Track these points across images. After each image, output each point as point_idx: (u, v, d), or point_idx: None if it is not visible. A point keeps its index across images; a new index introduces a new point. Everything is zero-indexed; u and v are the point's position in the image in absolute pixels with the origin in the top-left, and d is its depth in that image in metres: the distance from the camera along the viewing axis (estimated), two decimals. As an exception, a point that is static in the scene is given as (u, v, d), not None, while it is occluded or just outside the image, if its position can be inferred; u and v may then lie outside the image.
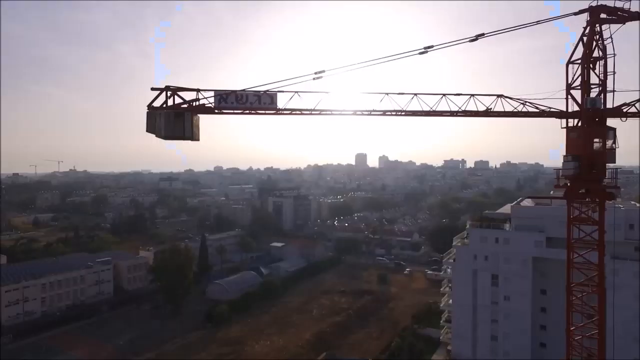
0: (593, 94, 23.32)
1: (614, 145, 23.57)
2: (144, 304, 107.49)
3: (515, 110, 23.29)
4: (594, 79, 23.33)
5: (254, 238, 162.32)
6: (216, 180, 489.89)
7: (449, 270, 77.93)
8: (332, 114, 22.41)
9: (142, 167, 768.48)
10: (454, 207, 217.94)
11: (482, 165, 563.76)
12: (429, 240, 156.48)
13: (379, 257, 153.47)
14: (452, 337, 74.52)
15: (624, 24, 23.15)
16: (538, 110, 23.40)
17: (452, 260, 75.48)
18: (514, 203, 79.18)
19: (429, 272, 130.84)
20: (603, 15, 23.02)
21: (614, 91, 22.90)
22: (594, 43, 23.08)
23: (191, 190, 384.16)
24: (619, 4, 22.78)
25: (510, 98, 22.94)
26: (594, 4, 23.06)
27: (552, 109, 23.44)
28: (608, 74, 23.08)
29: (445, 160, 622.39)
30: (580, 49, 23.26)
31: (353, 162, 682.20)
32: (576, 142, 23.30)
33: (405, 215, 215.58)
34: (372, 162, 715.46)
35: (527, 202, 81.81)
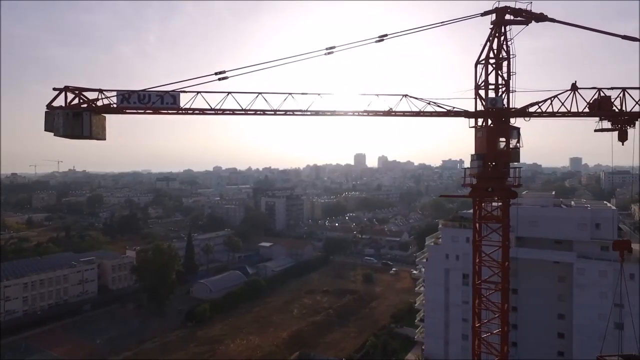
0: (501, 94, 23.66)
1: (518, 144, 23.91)
2: (128, 303, 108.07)
3: (420, 110, 23.67)
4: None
5: (243, 238, 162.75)
6: (214, 181, 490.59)
7: (423, 269, 78.30)
8: (235, 114, 22.91)
9: (143, 167, 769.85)
10: (447, 207, 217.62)
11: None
12: (418, 240, 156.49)
13: (367, 256, 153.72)
14: (424, 336, 74.83)
15: (527, 25, 23.50)
16: (444, 110, 23.75)
17: (425, 260, 75.83)
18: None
19: (414, 272, 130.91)
20: (509, 17, 23.37)
21: (514, 91, 23.26)
22: (499, 44, 23.43)
23: (188, 190, 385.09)
24: (521, 5, 23.09)
25: (415, 98, 23.32)
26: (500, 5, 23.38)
27: (455, 109, 23.82)
28: (512, 74, 23.46)
29: (443, 161, 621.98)
30: (488, 48, 23.59)
31: (352, 163, 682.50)
32: (481, 141, 23.66)
33: (397, 215, 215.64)
34: (372, 162, 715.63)
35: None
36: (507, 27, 23.39)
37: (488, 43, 23.58)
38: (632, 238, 67.39)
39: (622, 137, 24.07)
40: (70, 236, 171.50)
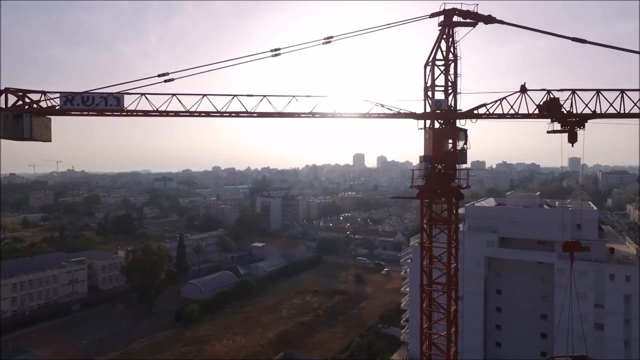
0: (448, 96, 23.76)
1: (465, 146, 24.01)
2: (118, 304, 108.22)
3: (367, 112, 23.75)
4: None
5: (237, 238, 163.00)
6: (212, 181, 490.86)
7: (408, 270, 78.39)
8: (179, 115, 23.04)
9: (142, 167, 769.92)
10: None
11: (478, 165, 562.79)
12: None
13: (360, 257, 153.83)
14: (409, 337, 74.89)
15: (475, 27, 23.59)
16: (392, 112, 23.84)
17: (409, 260, 75.91)
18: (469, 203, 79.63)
19: (402, 272, 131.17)
20: (457, 19, 23.45)
21: (459, 93, 23.35)
22: (447, 45, 23.53)
23: (185, 191, 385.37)
24: (468, 7, 23.15)
25: (363, 99, 23.40)
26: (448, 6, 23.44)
27: (403, 111, 23.90)
28: (458, 76, 23.55)
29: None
30: (438, 51, 23.70)
31: (351, 163, 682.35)
32: (428, 143, 23.77)
33: (392, 215, 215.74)
34: (371, 162, 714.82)
35: (490, 202, 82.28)
36: (455, 29, 23.48)
37: (436, 45, 23.66)
38: (612, 238, 67.60)
39: (572, 139, 24.15)
40: (64, 236, 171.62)
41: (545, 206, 70.22)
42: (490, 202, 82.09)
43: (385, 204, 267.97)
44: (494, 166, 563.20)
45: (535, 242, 65.97)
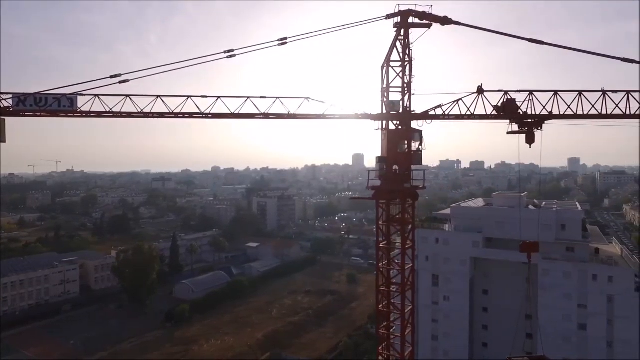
0: (402, 97, 23.76)
1: (420, 147, 24.02)
2: (110, 304, 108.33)
3: (322, 113, 23.75)
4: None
5: (231, 238, 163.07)
6: (211, 181, 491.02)
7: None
8: (132, 116, 23.14)
9: (142, 167, 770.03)
10: (438, 208, 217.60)
11: (477, 165, 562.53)
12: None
13: (354, 257, 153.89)
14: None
15: (429, 28, 23.59)
16: (347, 113, 23.83)
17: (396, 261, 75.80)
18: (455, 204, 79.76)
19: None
20: (414, 20, 23.44)
21: (414, 94, 23.37)
22: (403, 46, 23.52)
23: (183, 191, 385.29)
24: (422, 8, 23.13)
25: (316, 100, 23.40)
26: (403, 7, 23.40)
27: (357, 112, 23.89)
28: (412, 77, 23.56)
29: (440, 161, 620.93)
30: (394, 52, 23.70)
31: (350, 163, 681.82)
32: (383, 144, 23.78)
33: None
34: (371, 163, 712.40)
35: (479, 202, 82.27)
36: (410, 30, 23.45)
37: (392, 46, 23.65)
38: (598, 239, 67.54)
39: (530, 140, 24.17)
40: (60, 236, 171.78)
41: (530, 207, 70.13)
42: (478, 202, 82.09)
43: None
44: (493, 166, 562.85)
45: (520, 242, 65.86)
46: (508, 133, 24.52)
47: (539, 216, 58.56)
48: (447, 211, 76.68)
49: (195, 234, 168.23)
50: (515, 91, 23.40)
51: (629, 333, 55.19)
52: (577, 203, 73.09)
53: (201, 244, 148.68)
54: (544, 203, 73.76)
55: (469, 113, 23.14)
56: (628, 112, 23.68)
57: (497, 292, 68.37)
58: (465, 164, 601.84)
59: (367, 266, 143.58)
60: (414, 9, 23.05)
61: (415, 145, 23.69)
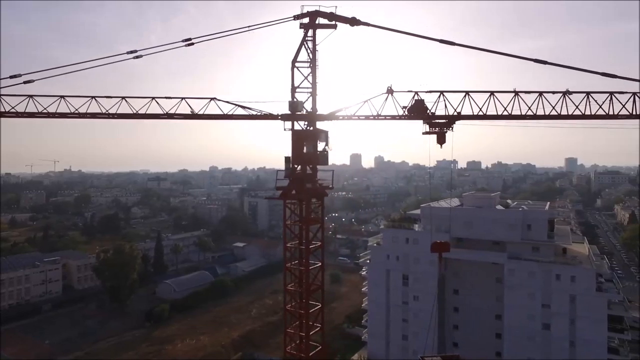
0: (307, 98, 23.86)
1: (326, 147, 24.12)
2: (91, 303, 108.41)
3: (227, 113, 23.83)
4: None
5: (219, 238, 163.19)
6: (207, 180, 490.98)
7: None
8: (33, 117, 23.30)
9: (141, 167, 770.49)
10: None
11: (474, 165, 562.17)
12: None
13: (341, 257, 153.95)
14: (367, 336, 75.08)
15: (336, 28, 23.66)
16: (253, 114, 23.92)
17: (368, 261, 76.02)
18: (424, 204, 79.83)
19: (362, 272, 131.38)
20: (322, 21, 23.51)
21: (317, 94, 23.45)
22: (313, 46, 23.60)
23: (178, 190, 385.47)
24: (327, 9, 23.20)
25: (223, 101, 23.49)
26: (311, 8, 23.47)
27: (263, 112, 23.99)
28: (317, 78, 23.63)
29: (437, 161, 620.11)
30: (303, 52, 23.79)
31: (348, 163, 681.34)
32: (290, 144, 23.87)
33: (378, 215, 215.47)
34: (369, 163, 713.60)
35: (454, 202, 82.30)
36: (317, 31, 23.54)
37: (300, 46, 23.75)
38: (565, 239, 67.51)
39: (440, 140, 24.27)
40: (48, 236, 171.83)
41: (499, 207, 70.24)
42: (454, 202, 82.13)
43: (374, 204, 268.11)
44: (489, 166, 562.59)
45: (490, 242, 66.00)
46: (423, 134, 24.61)
47: (512, 216, 58.79)
48: (416, 211, 76.91)
49: (184, 233, 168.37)
50: (426, 92, 23.48)
51: (590, 333, 55.33)
52: (548, 203, 73.11)
53: (187, 244, 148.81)
54: (514, 203, 73.92)
55: (376, 114, 23.24)
56: (542, 113, 23.77)
57: (467, 292, 68.49)
58: (462, 164, 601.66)
59: (353, 266, 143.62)
60: (319, 9, 23.11)
61: (321, 146, 23.79)
